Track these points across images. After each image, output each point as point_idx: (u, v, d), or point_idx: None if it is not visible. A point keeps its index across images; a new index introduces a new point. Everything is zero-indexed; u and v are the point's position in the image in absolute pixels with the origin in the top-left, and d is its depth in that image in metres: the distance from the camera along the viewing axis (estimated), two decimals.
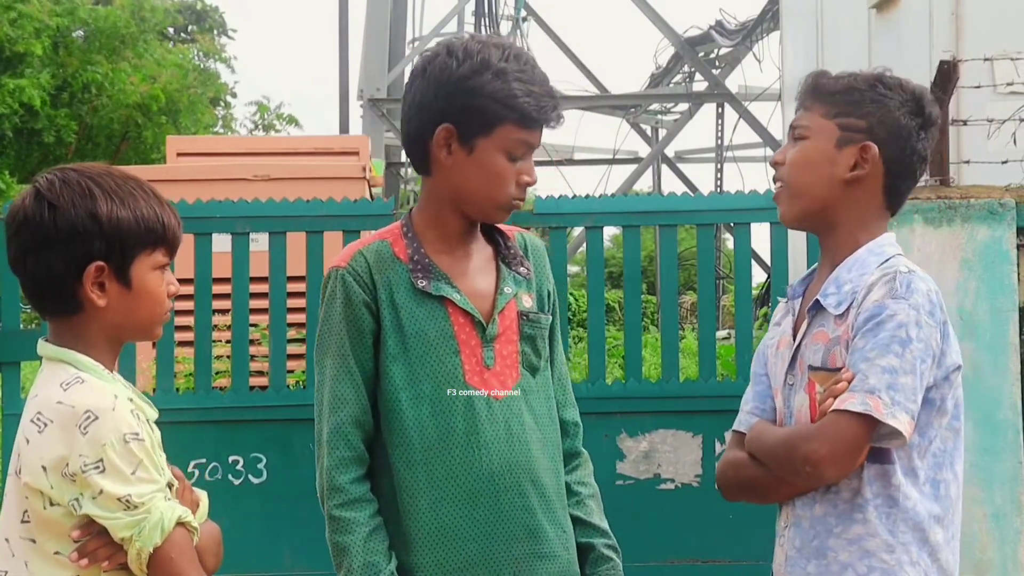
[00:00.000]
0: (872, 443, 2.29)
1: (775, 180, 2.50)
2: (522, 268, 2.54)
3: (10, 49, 21.13)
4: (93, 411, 2.09)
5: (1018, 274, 4.22)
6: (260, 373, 5.59)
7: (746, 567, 4.76)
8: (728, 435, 2.56)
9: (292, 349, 5.19)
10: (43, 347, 2.22)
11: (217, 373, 5.51)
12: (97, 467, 2.08)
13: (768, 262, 6.43)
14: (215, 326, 5.02)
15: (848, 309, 2.35)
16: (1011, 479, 4.18)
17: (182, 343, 5.66)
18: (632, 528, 4.80)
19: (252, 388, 4.95)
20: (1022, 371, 4.19)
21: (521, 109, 2.40)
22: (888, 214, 2.47)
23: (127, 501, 2.09)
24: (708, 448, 4.81)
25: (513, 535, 2.45)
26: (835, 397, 2.28)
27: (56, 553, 2.13)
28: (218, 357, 5.63)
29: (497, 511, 2.45)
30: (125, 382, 2.23)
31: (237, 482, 4.77)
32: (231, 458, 4.76)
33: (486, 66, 2.40)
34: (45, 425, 2.11)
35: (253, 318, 4.99)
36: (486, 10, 18.84)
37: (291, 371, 5.50)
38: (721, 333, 11.67)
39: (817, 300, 2.40)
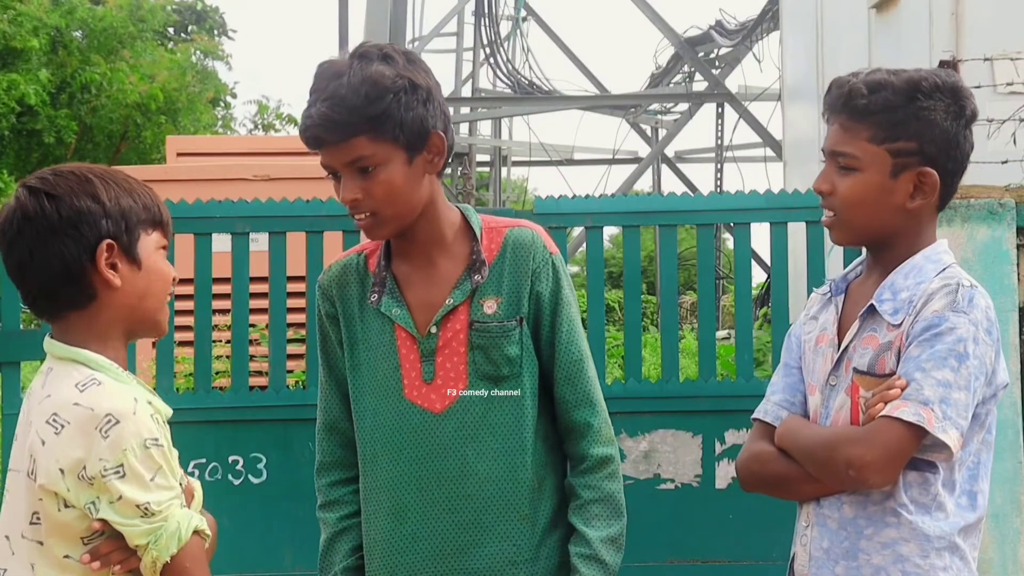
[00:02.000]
0: (916, 455, 2.27)
1: (823, 207, 2.43)
2: (476, 276, 2.47)
3: (5, 45, 21.10)
4: (114, 415, 2.08)
5: (1018, 274, 4.22)
6: (260, 373, 5.59)
7: (746, 567, 4.76)
8: (740, 428, 2.54)
9: (292, 349, 5.19)
10: (52, 346, 2.20)
11: (217, 373, 5.51)
12: (117, 472, 2.07)
13: (768, 262, 6.43)
14: (215, 326, 5.01)
15: (904, 317, 2.32)
16: (1011, 479, 4.18)
17: (182, 343, 5.66)
18: (632, 528, 4.77)
19: (252, 388, 4.94)
20: (1022, 371, 4.20)
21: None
22: (937, 213, 2.43)
23: (146, 508, 2.09)
24: (708, 448, 4.80)
25: (440, 553, 2.44)
26: (885, 403, 2.25)
27: (66, 557, 2.12)
28: (218, 357, 5.62)
29: (424, 526, 2.45)
30: (138, 380, 2.23)
31: (237, 482, 4.77)
32: (231, 458, 4.75)
33: None
34: (62, 427, 2.09)
35: (253, 318, 4.98)
36: (486, 10, 18.82)
37: (291, 371, 5.50)
38: (721, 333, 11.66)
39: (872, 305, 2.37)
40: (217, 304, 4.95)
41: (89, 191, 2.17)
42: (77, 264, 2.16)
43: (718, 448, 4.78)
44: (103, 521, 2.09)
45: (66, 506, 2.10)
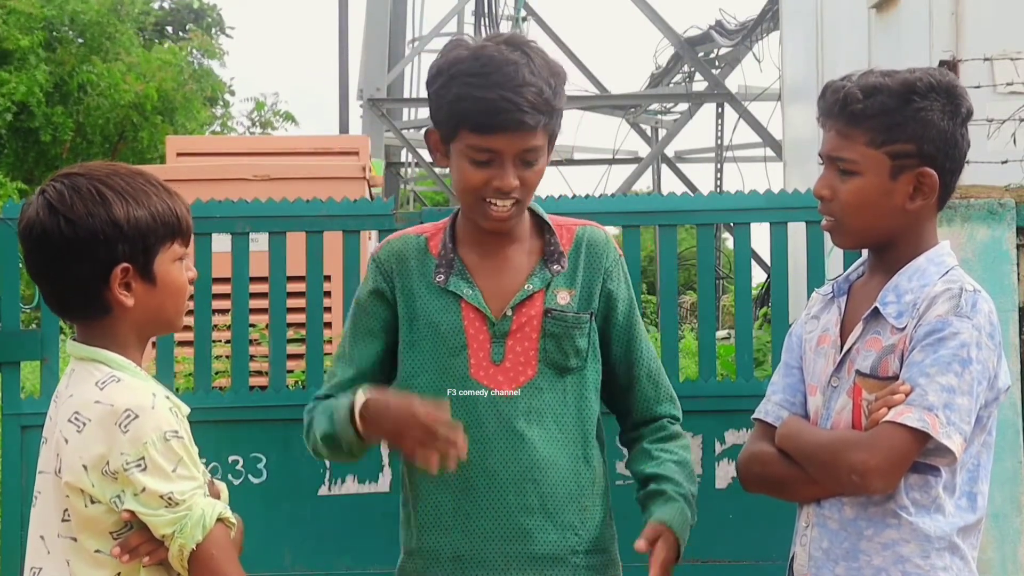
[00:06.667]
0: (919, 458, 2.27)
1: (822, 212, 2.44)
2: (555, 265, 2.51)
3: (1, 46, 21.07)
4: (133, 409, 2.12)
5: (1018, 274, 4.23)
6: (260, 373, 5.58)
7: (746, 567, 4.75)
8: (740, 428, 2.55)
9: (292, 349, 5.19)
10: (74, 347, 2.24)
11: (217, 373, 5.51)
12: (139, 465, 2.11)
13: (768, 262, 6.42)
14: (215, 326, 5.02)
15: (908, 320, 2.32)
16: (1011, 479, 4.18)
17: (182, 343, 5.66)
18: (632, 528, 4.78)
19: (252, 388, 4.95)
20: (1022, 371, 4.20)
21: (468, 115, 2.36)
22: (937, 212, 2.44)
23: (169, 498, 2.12)
24: (708, 448, 4.80)
25: (504, 533, 2.45)
26: (889, 408, 2.25)
27: (97, 551, 2.16)
28: (218, 357, 5.62)
29: (489, 507, 2.45)
30: (155, 380, 2.26)
31: (237, 482, 4.76)
32: (231, 458, 4.75)
33: (441, 72, 2.41)
34: (84, 424, 2.13)
35: (253, 318, 4.98)
36: (486, 10, 18.82)
37: (291, 371, 5.50)
38: (721, 333, 11.66)
39: (876, 308, 2.37)
40: (217, 304, 4.95)
41: (107, 213, 2.18)
42: (91, 284, 2.19)
43: (718, 448, 4.78)
44: (131, 512, 2.12)
45: (92, 502, 2.14)
